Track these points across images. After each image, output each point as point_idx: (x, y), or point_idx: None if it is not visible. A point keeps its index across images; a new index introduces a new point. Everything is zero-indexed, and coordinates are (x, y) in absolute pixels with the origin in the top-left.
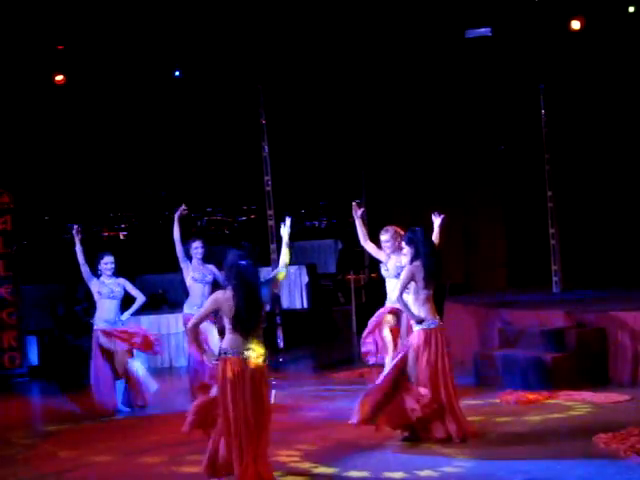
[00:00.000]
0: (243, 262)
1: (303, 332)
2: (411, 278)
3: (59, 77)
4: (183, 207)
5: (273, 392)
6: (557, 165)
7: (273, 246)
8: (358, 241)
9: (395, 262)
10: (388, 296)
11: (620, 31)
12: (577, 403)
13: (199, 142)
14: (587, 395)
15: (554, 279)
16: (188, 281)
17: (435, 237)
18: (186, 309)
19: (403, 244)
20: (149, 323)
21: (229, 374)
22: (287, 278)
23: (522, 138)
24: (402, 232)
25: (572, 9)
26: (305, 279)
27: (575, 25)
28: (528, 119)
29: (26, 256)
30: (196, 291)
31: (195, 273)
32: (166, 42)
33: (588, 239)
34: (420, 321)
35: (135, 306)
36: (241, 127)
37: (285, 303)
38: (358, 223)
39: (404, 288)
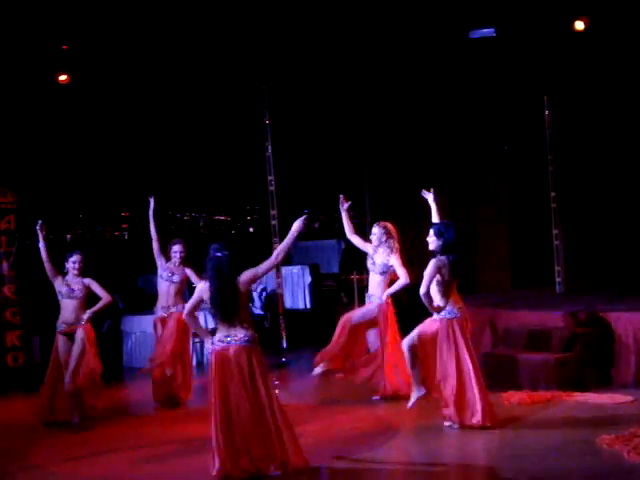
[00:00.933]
0: (219, 254)
1: (306, 332)
2: (437, 272)
3: (63, 77)
4: (152, 201)
5: (275, 392)
6: (561, 166)
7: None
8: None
9: (383, 259)
10: (369, 290)
11: (625, 31)
12: (580, 404)
13: (203, 142)
14: (590, 396)
15: (557, 280)
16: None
17: (435, 214)
18: (156, 311)
19: (430, 234)
20: (151, 322)
21: (214, 366)
22: (290, 278)
23: (526, 139)
24: (393, 231)
25: (576, 9)
26: (308, 279)
27: (579, 25)
28: (532, 120)
29: (30, 255)
30: (162, 289)
31: (164, 272)
32: (170, 42)
33: (591, 240)
34: (439, 311)
35: (98, 305)
36: (245, 127)
37: (288, 303)
38: (344, 216)
39: (430, 283)
